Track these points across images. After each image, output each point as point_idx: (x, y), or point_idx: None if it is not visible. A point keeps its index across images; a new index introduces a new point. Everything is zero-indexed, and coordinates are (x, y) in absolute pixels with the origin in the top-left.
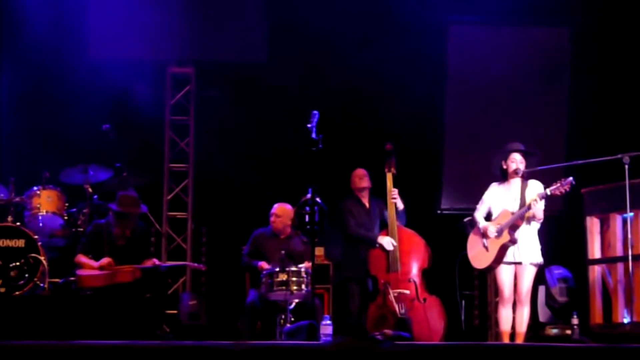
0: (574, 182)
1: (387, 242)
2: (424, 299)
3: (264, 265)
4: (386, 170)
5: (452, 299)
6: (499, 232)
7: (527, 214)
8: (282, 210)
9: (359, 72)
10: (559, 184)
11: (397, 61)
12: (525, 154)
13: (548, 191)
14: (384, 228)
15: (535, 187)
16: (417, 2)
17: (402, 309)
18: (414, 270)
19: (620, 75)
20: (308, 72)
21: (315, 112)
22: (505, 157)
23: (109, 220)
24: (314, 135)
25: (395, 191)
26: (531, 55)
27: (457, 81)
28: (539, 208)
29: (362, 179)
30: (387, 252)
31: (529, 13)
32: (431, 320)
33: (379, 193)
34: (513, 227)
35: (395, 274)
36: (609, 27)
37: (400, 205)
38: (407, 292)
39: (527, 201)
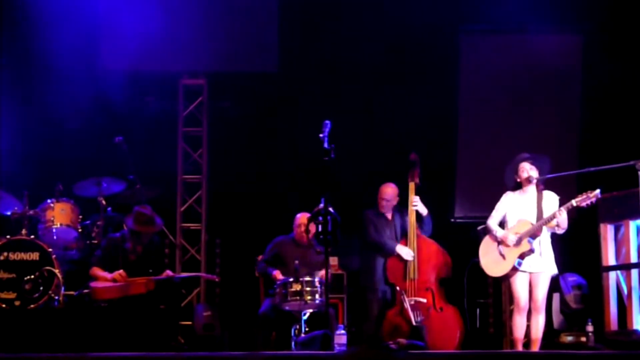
0: (599, 195)
1: (406, 252)
2: (441, 308)
3: (278, 275)
4: (409, 179)
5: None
6: (518, 241)
7: (550, 224)
8: (304, 220)
9: (370, 82)
10: (585, 196)
11: (409, 70)
12: (533, 161)
13: (574, 202)
14: (405, 237)
15: (551, 199)
16: (428, 12)
17: (417, 317)
18: (432, 278)
19: (633, 82)
20: (320, 82)
21: (327, 121)
22: (516, 169)
23: (123, 233)
24: (326, 145)
25: (417, 198)
26: (543, 63)
27: (469, 90)
28: (563, 218)
29: (386, 205)
30: (405, 260)
31: (541, 21)
32: (446, 330)
33: (400, 203)
34: (532, 236)
35: (413, 282)
36: (621, 34)
37: (424, 211)
38: (424, 300)
39: (544, 212)
